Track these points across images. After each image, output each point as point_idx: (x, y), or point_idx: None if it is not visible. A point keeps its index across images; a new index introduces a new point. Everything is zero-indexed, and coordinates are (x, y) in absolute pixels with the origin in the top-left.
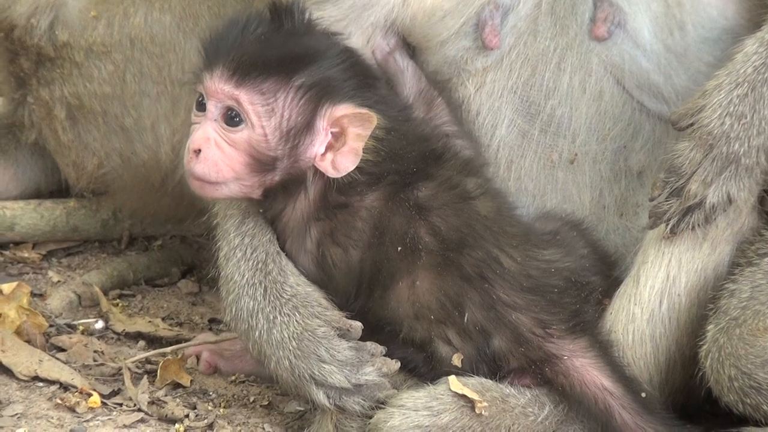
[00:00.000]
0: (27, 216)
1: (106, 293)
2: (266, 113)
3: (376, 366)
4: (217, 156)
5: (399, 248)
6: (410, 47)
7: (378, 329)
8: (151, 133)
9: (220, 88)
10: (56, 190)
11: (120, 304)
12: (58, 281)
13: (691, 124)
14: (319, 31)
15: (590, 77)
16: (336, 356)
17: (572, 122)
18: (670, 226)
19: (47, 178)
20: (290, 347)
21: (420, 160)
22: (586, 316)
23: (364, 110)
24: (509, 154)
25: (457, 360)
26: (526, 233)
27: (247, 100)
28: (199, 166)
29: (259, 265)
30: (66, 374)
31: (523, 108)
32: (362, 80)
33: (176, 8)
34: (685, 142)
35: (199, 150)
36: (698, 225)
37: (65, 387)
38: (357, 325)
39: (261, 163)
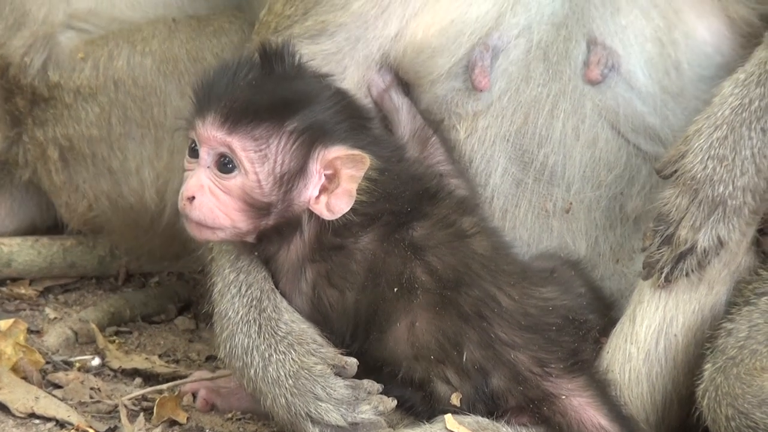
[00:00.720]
0: (24, 252)
1: (102, 330)
2: (259, 159)
3: (373, 404)
4: (212, 203)
5: (395, 289)
6: (406, 85)
7: (376, 370)
8: (136, 177)
9: (212, 134)
10: (52, 225)
11: (117, 341)
12: (55, 318)
13: (675, 171)
14: (310, 73)
15: (584, 123)
16: (332, 394)
17: (566, 170)
18: (663, 275)
19: (43, 213)
20: (286, 385)
21: (414, 199)
22: (583, 355)
23: (356, 152)
24: (503, 203)
25: (455, 399)
26: (523, 271)
27: (240, 146)
28: (195, 213)
29: (254, 302)
30: (62, 411)
31: (517, 156)
32: (354, 122)
33: (156, 51)
34: (670, 189)
35: (194, 197)
36: (692, 270)
37: (62, 424)
38: (352, 362)
39: (256, 209)
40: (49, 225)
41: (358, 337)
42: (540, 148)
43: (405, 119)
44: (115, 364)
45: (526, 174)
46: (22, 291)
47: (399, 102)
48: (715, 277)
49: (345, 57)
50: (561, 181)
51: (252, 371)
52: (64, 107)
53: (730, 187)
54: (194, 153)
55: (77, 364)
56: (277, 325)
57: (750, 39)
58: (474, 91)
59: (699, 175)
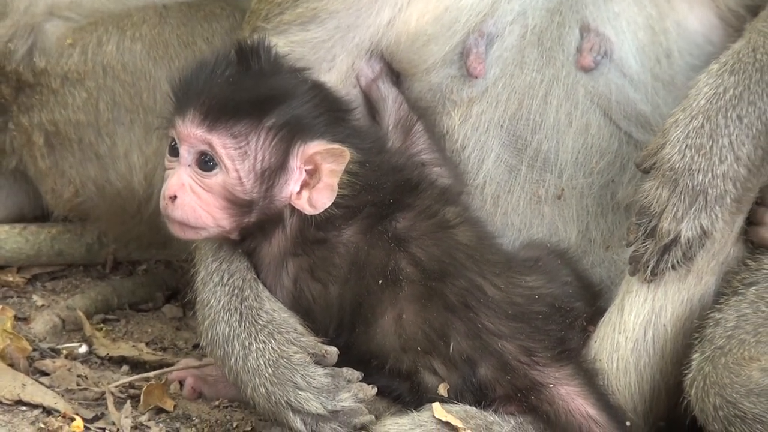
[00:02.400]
0: (11, 240)
1: (90, 317)
2: (239, 156)
3: (353, 392)
4: (194, 201)
5: (380, 281)
6: (395, 74)
7: (363, 362)
8: (124, 162)
9: (192, 132)
10: (40, 214)
11: (104, 329)
12: (42, 305)
13: (654, 164)
14: (287, 68)
15: (576, 109)
16: (312, 383)
17: (559, 157)
18: (650, 269)
19: (30, 202)
20: (266, 374)
21: (396, 190)
22: (571, 344)
23: (336, 146)
24: (495, 190)
25: (443, 389)
26: (508, 260)
27: (220, 144)
28: (177, 212)
29: (236, 291)
30: (49, 398)
31: (510, 142)
32: (333, 115)
33: (146, 36)
34: (650, 182)
35: (175, 196)
36: (677, 263)
37: (48, 411)
38: (333, 351)
39: (238, 206)
40: (36, 214)
41: (344, 330)
42: (533, 134)
43: (390, 108)
44: (102, 352)
45: (520, 160)
46: (10, 278)
47: (386, 91)
48: (703, 268)
49: (335, 45)
50: (554, 168)
51: (232, 360)
52: (51, 93)
53: (710, 176)
54: (174, 152)
55: (64, 352)
56: (258, 314)
57: (738, 30)
58: (469, 77)
59: (677, 166)
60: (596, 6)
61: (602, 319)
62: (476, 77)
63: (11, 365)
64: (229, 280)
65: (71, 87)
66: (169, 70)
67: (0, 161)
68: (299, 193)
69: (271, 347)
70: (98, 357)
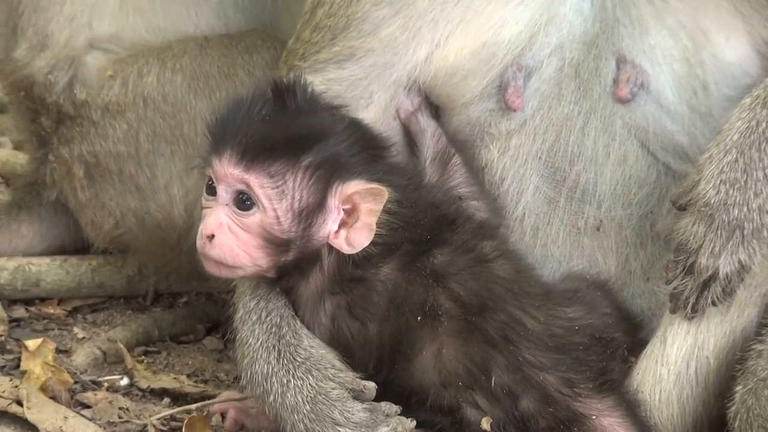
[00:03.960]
0: (52, 272)
1: (131, 350)
2: (277, 195)
3: (391, 426)
4: (232, 241)
5: (419, 317)
6: (434, 107)
7: (403, 398)
8: (164, 193)
9: (229, 172)
10: (81, 246)
11: (145, 361)
12: (83, 337)
13: (690, 200)
14: (324, 106)
15: (614, 141)
16: (351, 418)
17: (598, 188)
18: (690, 306)
19: (71, 234)
20: (305, 411)
21: (433, 226)
22: (612, 374)
23: (374, 185)
24: (535, 222)
25: (486, 424)
26: (547, 292)
27: (257, 183)
28: (214, 251)
29: (274, 329)
30: (91, 431)
31: (549, 174)
32: (370, 153)
33: (187, 68)
34: (686, 218)
35: (213, 235)
36: (717, 298)
37: None
38: (371, 386)
39: (275, 245)
40: (77, 246)
41: (383, 366)
42: (572, 165)
43: (429, 141)
44: (144, 384)
45: (558, 192)
46: (51, 311)
47: (425, 124)
48: (745, 300)
49: (372, 82)
50: (592, 199)
51: (271, 398)
52: (91, 124)
53: (745, 210)
54: (212, 190)
55: (106, 384)
56: (296, 351)
57: None
58: (507, 111)
59: (713, 201)
60: (632, 38)
61: (644, 351)
62: (515, 110)
63: (53, 398)
64: (267, 317)
65: (112, 119)
66: (210, 101)
67: (40, 193)
68: (337, 232)
69: (309, 384)
70: (139, 389)
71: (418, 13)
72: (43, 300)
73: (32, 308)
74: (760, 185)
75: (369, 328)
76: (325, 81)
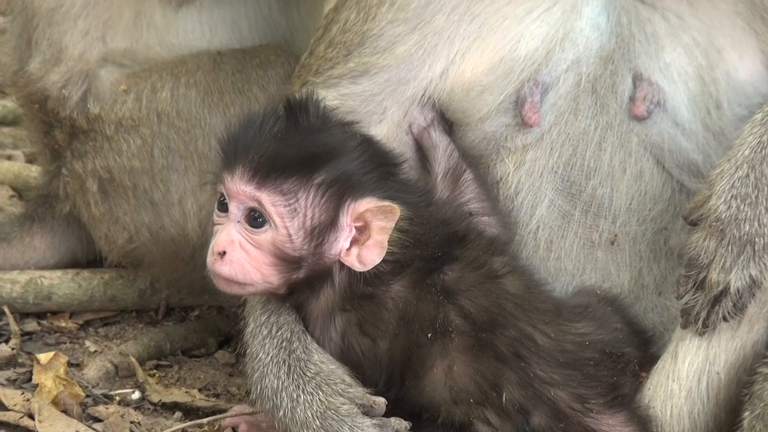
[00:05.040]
0: (64, 285)
1: (142, 363)
2: (289, 213)
3: None
4: (243, 258)
5: (429, 334)
6: (447, 122)
7: (414, 415)
8: (178, 208)
9: (241, 189)
10: (93, 259)
11: (157, 375)
12: (95, 351)
13: (701, 215)
14: (336, 123)
15: (630, 157)
16: None
17: (613, 203)
18: (701, 321)
19: (84, 247)
20: (314, 426)
21: (444, 243)
22: (623, 389)
23: (386, 203)
24: (549, 235)
25: None
26: (557, 308)
27: (269, 201)
28: (225, 268)
29: (284, 344)
30: None
31: (564, 188)
32: (382, 171)
33: (201, 83)
34: (697, 233)
35: (224, 252)
36: (728, 313)
37: None
38: (380, 401)
39: (287, 263)
40: (89, 259)
41: (394, 383)
42: (588, 180)
43: (441, 157)
44: (155, 398)
45: (573, 206)
46: (63, 324)
47: (437, 140)
48: (755, 315)
49: (386, 98)
50: (607, 213)
51: (281, 413)
52: (105, 139)
53: (756, 225)
54: (223, 207)
55: (117, 398)
56: (306, 366)
57: None
58: (523, 125)
59: (724, 216)
60: (648, 55)
61: (656, 367)
62: (531, 126)
63: (64, 411)
64: (277, 332)
65: (125, 133)
66: (224, 116)
67: (53, 206)
68: (349, 249)
69: (319, 399)
70: (151, 403)
71: (435, 30)
72: (55, 313)
73: (44, 321)
74: None
75: (379, 345)
76: (338, 96)
